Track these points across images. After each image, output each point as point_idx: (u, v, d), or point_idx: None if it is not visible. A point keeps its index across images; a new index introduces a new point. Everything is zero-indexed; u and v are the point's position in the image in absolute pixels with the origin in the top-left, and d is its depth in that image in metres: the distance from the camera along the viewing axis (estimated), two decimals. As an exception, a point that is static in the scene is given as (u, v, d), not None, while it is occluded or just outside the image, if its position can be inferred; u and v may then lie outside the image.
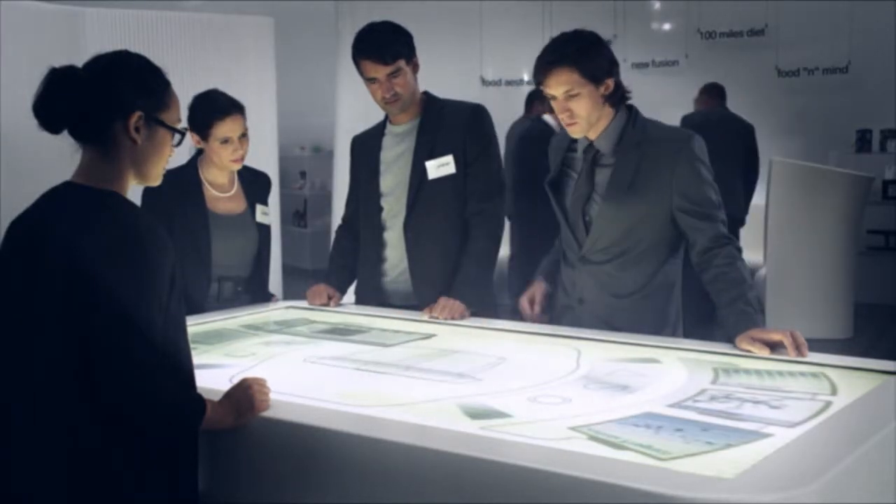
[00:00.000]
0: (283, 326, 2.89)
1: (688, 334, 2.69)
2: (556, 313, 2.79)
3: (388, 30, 3.00)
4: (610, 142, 2.62)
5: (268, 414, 1.86)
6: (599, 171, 2.64)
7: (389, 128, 3.15)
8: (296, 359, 2.43)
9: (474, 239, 3.01)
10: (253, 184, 3.30)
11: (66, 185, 1.84)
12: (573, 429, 1.72)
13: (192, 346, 1.90)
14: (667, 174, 2.55)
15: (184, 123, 1.95)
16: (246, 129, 3.12)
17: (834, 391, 1.97)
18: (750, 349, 2.31)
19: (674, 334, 2.64)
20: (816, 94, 8.08)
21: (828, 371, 2.14)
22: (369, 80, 2.98)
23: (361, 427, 1.76)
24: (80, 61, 1.87)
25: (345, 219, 3.33)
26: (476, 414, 1.83)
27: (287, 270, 6.93)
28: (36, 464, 1.72)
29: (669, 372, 2.20)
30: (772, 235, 6.60)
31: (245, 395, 1.87)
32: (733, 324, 2.40)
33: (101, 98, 1.81)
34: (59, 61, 1.88)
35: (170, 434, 1.77)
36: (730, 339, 2.40)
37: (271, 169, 8.06)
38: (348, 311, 3.09)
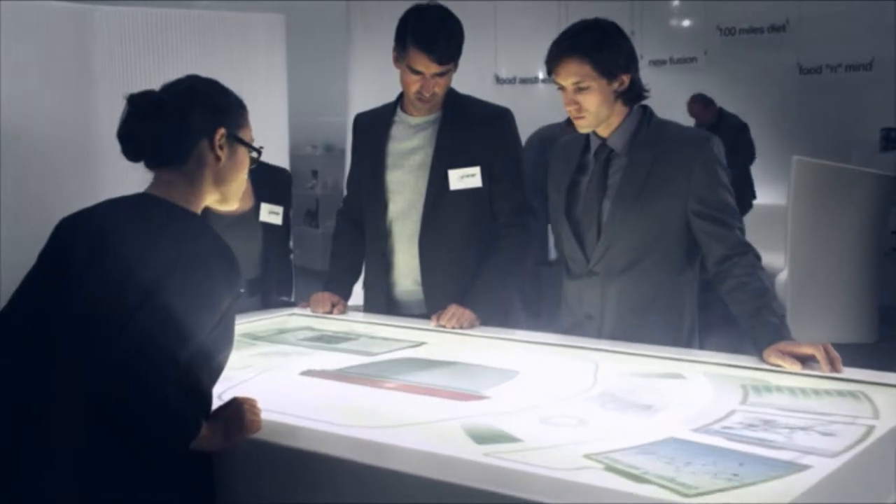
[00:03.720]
0: (284, 335, 2.75)
1: (704, 348, 2.54)
2: (561, 332, 2.63)
3: (453, 26, 2.77)
4: (623, 140, 2.46)
5: (259, 436, 1.72)
6: (612, 172, 2.48)
7: (402, 116, 2.94)
8: (293, 371, 2.29)
9: (499, 251, 2.84)
10: (266, 181, 3.12)
11: (143, 197, 1.81)
12: (589, 457, 1.56)
13: None
14: (683, 176, 2.39)
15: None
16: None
17: (876, 413, 1.81)
18: (779, 364, 2.15)
19: (688, 347, 2.48)
20: (839, 92, 7.89)
21: (867, 389, 1.97)
22: (412, 71, 2.75)
23: (356, 452, 1.61)
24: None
25: (345, 203, 3.14)
26: (482, 437, 1.67)
27: (299, 271, 6.81)
28: (47, 464, 1.62)
29: (695, 389, 2.04)
30: (793, 237, 6.41)
31: (235, 415, 1.73)
32: (760, 336, 2.24)
33: (190, 118, 1.79)
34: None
35: (157, 442, 1.64)
36: (756, 352, 2.24)
37: (284, 163, 7.99)
38: (353, 318, 2.94)
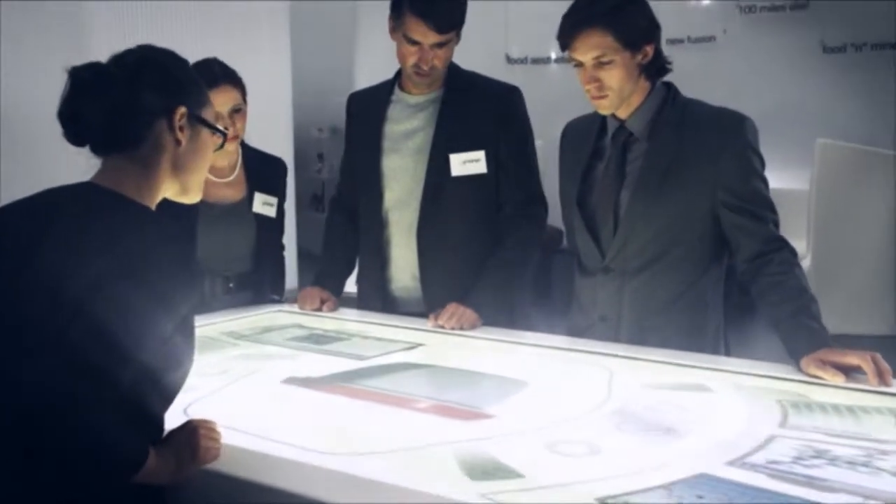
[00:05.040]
0: (270, 334, 2.51)
1: (730, 355, 2.28)
2: (572, 335, 2.38)
3: None
4: (644, 121, 2.20)
5: (216, 466, 1.48)
6: (631, 158, 2.22)
7: (399, 95, 2.69)
8: (274, 378, 2.05)
9: (505, 244, 2.59)
10: (260, 170, 2.90)
11: (86, 187, 1.53)
12: (602, 501, 1.31)
13: None
14: (711, 162, 2.14)
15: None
16: (241, 104, 2.73)
17: (940, 439, 1.55)
18: (820, 375, 1.90)
19: (713, 354, 2.23)
20: (864, 72, 7.58)
21: (924, 407, 1.71)
22: (408, 41, 2.50)
23: (329, 489, 1.37)
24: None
25: (339, 191, 2.90)
26: (477, 471, 1.42)
27: (303, 255, 6.65)
28: None
29: (724, 406, 1.78)
30: (817, 222, 6.16)
31: (188, 440, 1.49)
32: (797, 343, 1.98)
33: (144, 94, 1.52)
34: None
35: (95, 476, 1.39)
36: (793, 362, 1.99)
37: (286, 152, 7.76)
38: (345, 317, 2.70)
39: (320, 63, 8.71)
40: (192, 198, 1.65)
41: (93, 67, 1.53)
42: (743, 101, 2.66)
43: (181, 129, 1.56)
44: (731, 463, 1.44)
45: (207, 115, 1.62)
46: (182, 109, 1.55)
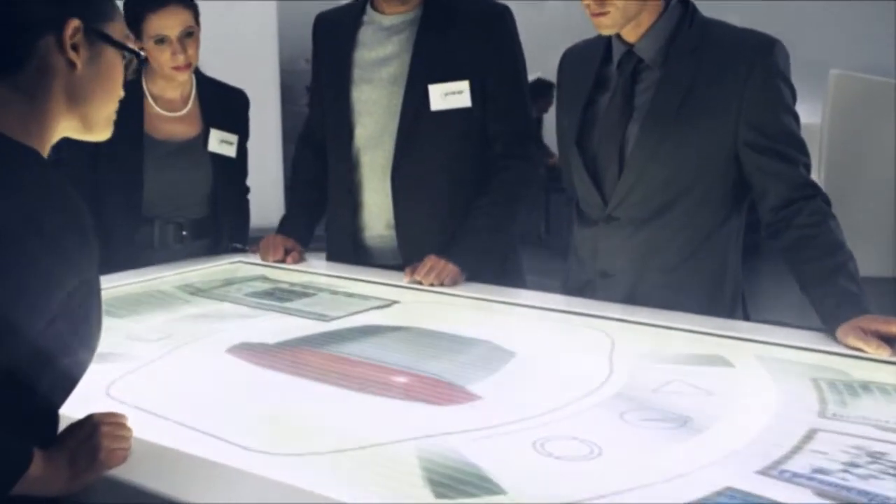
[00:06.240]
0: (228, 289, 2.24)
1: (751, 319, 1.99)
2: (569, 293, 2.08)
3: None
4: (657, 45, 1.88)
5: (120, 473, 1.18)
6: (641, 88, 1.90)
7: (372, 15, 2.36)
8: (220, 346, 1.76)
9: (493, 188, 2.28)
10: (218, 103, 2.58)
11: None
12: (605, 532, 1.02)
13: None
14: (734, 93, 1.83)
15: None
16: (193, 27, 2.41)
17: None
18: (862, 348, 1.60)
19: (731, 318, 1.94)
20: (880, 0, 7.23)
21: None
22: None
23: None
24: None
25: (307, 127, 2.58)
26: (443, 485, 1.12)
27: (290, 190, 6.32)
28: None
29: (748, 386, 1.50)
30: (829, 157, 5.87)
31: (87, 440, 1.19)
32: (832, 308, 1.69)
33: (24, 3, 1.20)
34: None
35: None
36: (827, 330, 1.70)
37: (272, 85, 7.40)
38: (313, 269, 2.40)
39: (308, -11, 8.31)
40: (99, 135, 1.32)
41: None
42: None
43: (75, 47, 1.23)
44: (765, 472, 1.15)
45: (113, 30, 1.29)
46: (75, 23, 1.21)
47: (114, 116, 1.32)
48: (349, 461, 1.21)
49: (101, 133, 1.32)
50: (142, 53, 1.36)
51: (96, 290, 1.20)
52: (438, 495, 1.09)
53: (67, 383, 1.20)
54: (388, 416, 1.39)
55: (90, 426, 1.21)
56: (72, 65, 1.22)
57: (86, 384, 1.53)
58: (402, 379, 1.54)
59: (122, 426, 1.23)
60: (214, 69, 2.67)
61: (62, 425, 1.21)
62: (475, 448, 1.23)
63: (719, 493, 1.08)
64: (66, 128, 1.28)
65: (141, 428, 1.27)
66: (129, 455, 1.21)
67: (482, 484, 1.12)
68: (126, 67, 1.30)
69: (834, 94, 5.92)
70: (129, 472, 1.17)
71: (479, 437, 1.28)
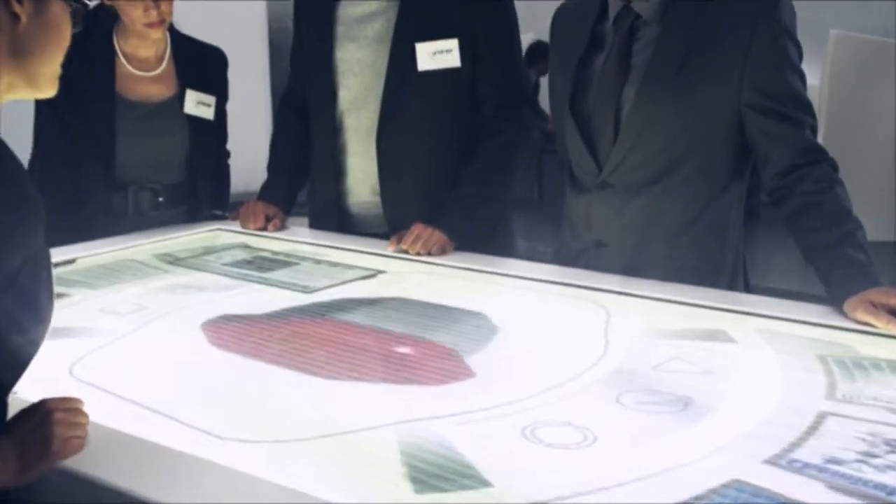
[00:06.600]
0: (207, 258, 2.15)
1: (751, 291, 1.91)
2: (561, 263, 1.99)
3: None
4: (655, 2, 1.77)
5: (73, 464, 1.09)
6: (639, 47, 1.79)
7: None
8: (195, 319, 1.68)
9: (483, 153, 2.19)
10: (194, 63, 2.46)
11: None
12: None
13: (63, 291, 1.48)
14: (738, 52, 1.73)
15: None
16: None
17: None
18: (871, 323, 1.52)
19: (731, 290, 1.85)
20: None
21: None
22: None
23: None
24: None
25: (289, 88, 2.49)
26: (424, 477, 1.03)
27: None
28: None
29: (752, 365, 1.41)
30: (828, 120, 5.80)
31: (39, 429, 1.10)
32: (839, 280, 1.60)
33: None
34: None
35: None
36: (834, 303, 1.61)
37: (259, 42, 7.25)
38: (295, 237, 2.30)
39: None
40: (45, 91, 1.22)
41: None
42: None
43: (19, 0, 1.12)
44: (774, 461, 1.06)
45: None
46: None
47: (59, 71, 1.22)
48: (328, 449, 1.12)
49: (46, 90, 1.21)
50: (88, 2, 1.25)
51: (45, 265, 1.11)
52: (419, 490, 1.00)
53: (17, 364, 1.11)
54: (369, 397, 1.30)
55: (42, 412, 1.11)
56: (16, 18, 1.12)
57: (48, 362, 1.45)
58: (405, 349, 1.46)
59: (78, 412, 1.14)
60: (198, 27, 2.55)
61: (18, 410, 1.12)
62: (461, 435, 1.14)
63: (726, 486, 1.00)
64: (9, 85, 1.17)
65: (103, 412, 1.19)
66: (84, 444, 1.12)
67: (467, 476, 1.03)
68: (73, 19, 1.20)
69: (833, 55, 5.82)
70: (85, 462, 1.08)
71: (466, 421, 1.19)
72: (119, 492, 1.03)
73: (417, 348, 1.48)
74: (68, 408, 1.14)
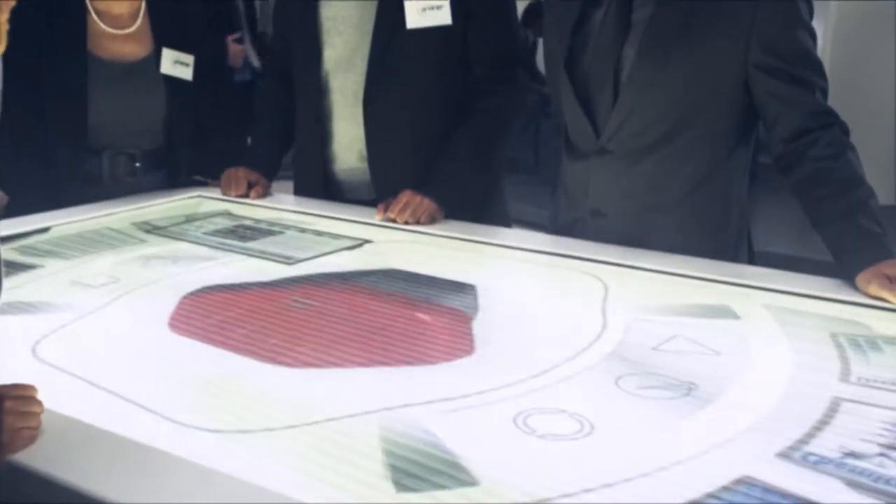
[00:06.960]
0: (188, 227, 2.06)
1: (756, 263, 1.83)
2: (557, 232, 1.91)
3: None
4: (658, -43, 1.67)
5: (24, 458, 1.00)
6: (639, 3, 1.69)
7: None
8: (174, 292, 1.59)
9: (475, 116, 2.10)
10: (171, 20, 2.35)
11: None
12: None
13: (35, 262, 1.47)
14: (746, 9, 1.63)
15: None
16: None
17: None
18: (886, 298, 1.44)
19: (734, 262, 1.77)
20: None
21: None
22: None
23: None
24: None
25: (272, 49, 2.43)
26: (407, 477, 0.95)
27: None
28: None
29: (759, 344, 1.32)
30: (830, 85, 5.67)
31: (-11, 419, 1.01)
32: (851, 251, 1.52)
33: None
34: None
35: None
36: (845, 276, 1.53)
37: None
38: (279, 205, 2.21)
39: None
40: None
41: None
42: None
43: None
44: (787, 454, 0.98)
45: None
46: None
47: (7, 26, 1.12)
48: (303, 440, 1.04)
49: None
50: None
51: None
52: (401, 488, 0.91)
53: None
54: (351, 381, 1.21)
55: (-8, 400, 1.03)
56: None
57: (11, 341, 1.36)
58: (389, 324, 1.39)
59: (32, 400, 1.06)
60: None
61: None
62: (447, 424, 1.06)
63: (736, 483, 0.91)
64: None
65: (64, 398, 1.10)
66: (37, 436, 1.03)
67: (452, 472, 0.95)
68: None
69: (835, 20, 5.73)
70: (36, 457, 0.99)
71: (453, 408, 1.10)
72: (73, 490, 0.94)
73: (402, 324, 1.39)
74: (20, 395, 1.05)
